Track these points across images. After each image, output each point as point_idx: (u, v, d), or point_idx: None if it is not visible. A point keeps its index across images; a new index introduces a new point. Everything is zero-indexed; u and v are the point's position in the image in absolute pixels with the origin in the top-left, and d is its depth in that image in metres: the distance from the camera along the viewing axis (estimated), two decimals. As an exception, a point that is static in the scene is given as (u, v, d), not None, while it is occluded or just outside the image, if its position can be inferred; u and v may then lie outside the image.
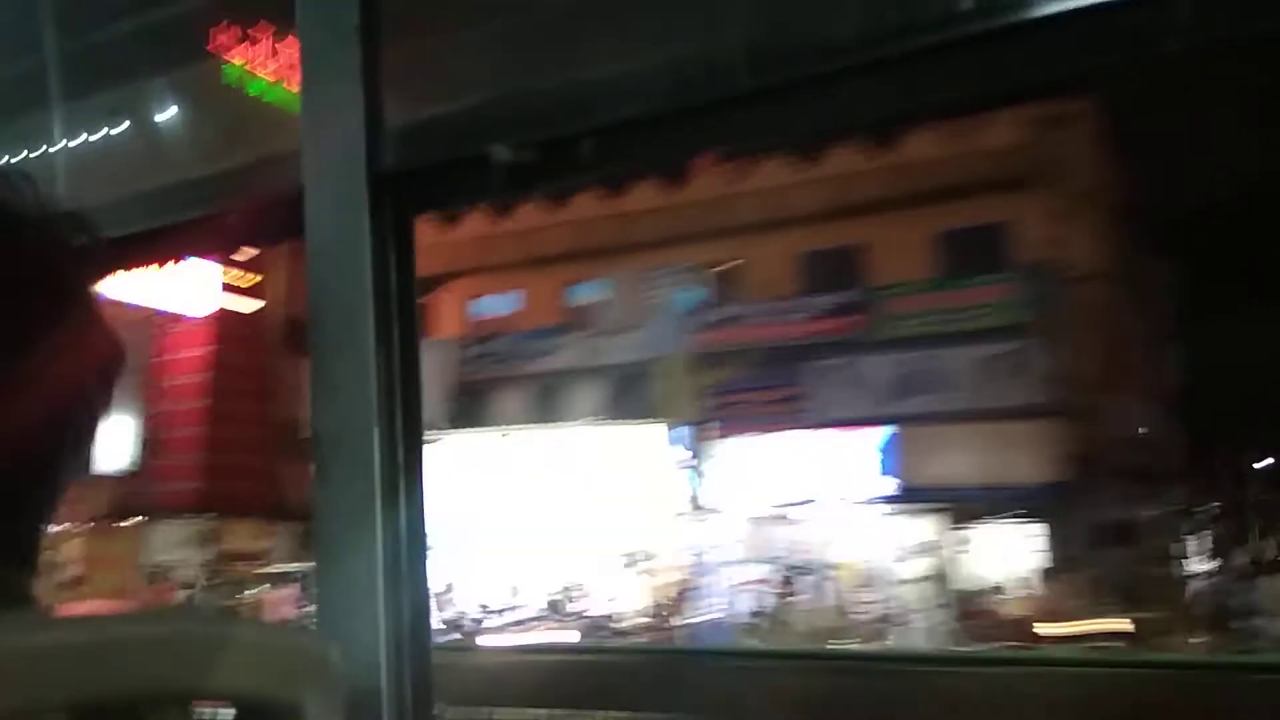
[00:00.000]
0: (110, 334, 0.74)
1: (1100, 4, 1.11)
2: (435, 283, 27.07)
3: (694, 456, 23.73)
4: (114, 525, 26.59)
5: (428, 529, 1.58)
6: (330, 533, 1.54)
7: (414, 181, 1.57)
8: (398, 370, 1.54)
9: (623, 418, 24.57)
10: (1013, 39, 1.15)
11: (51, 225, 0.70)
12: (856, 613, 21.04)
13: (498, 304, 29.09)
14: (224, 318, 27.41)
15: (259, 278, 27.20)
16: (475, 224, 24.82)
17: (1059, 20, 1.13)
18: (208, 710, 0.70)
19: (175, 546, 27.30)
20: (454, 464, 23.23)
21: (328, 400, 1.55)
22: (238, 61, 2.10)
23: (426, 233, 1.47)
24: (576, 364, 26.18)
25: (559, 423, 25.28)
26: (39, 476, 0.69)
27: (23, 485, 0.68)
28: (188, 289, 25.35)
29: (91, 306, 0.72)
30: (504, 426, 25.50)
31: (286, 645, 0.72)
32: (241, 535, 27.89)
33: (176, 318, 26.71)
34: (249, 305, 27.61)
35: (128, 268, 1.85)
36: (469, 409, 26.25)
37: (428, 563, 1.55)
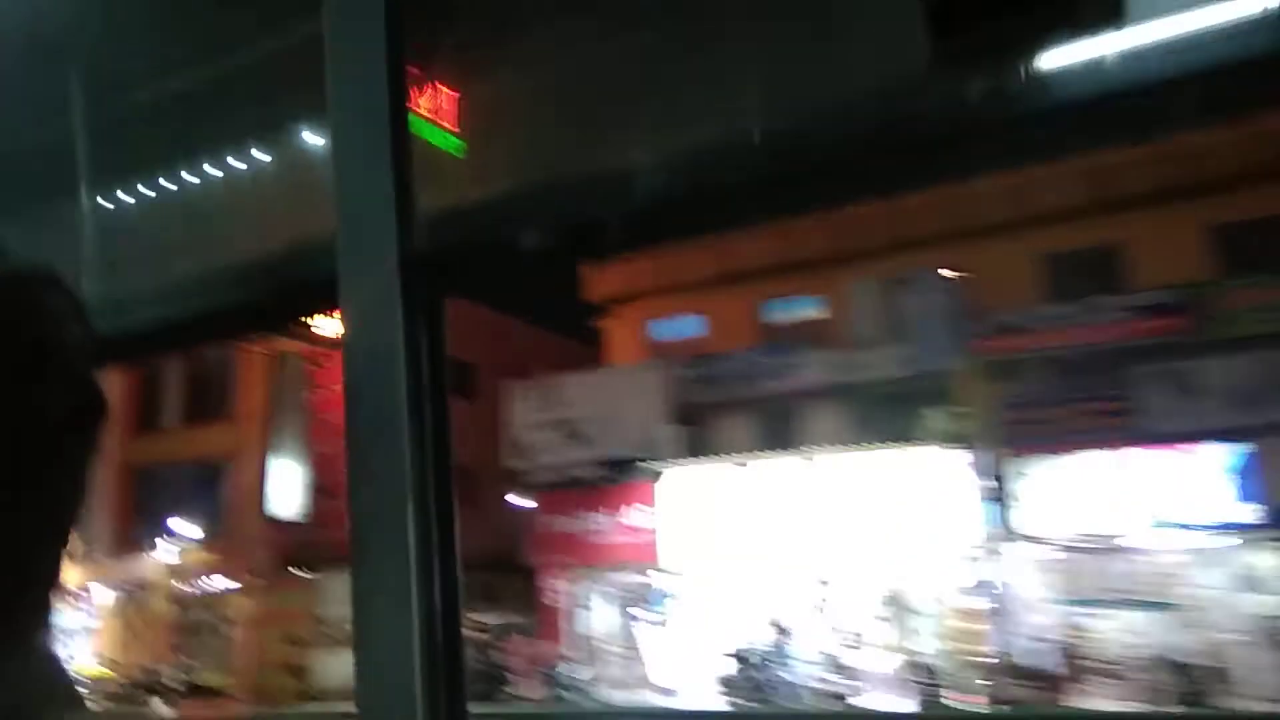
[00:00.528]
0: (90, 383, 0.75)
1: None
2: (608, 306, 25.77)
3: (988, 480, 19.89)
4: (287, 578, 25.38)
5: (460, 600, 1.60)
6: (369, 610, 1.56)
7: (444, 265, 1.61)
8: (430, 451, 1.57)
9: (879, 440, 20.93)
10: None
11: (26, 282, 0.73)
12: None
13: (681, 326, 25.97)
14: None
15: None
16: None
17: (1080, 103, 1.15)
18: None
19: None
20: (685, 498, 21.47)
21: (364, 480, 1.58)
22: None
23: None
24: (818, 383, 22.77)
25: (802, 448, 21.79)
26: (19, 531, 0.70)
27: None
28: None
29: (67, 357, 0.73)
30: (737, 454, 22.28)
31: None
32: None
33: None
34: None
35: (171, 352, 1.90)
36: (695, 436, 23.35)
37: (463, 639, 1.56)
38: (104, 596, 28.22)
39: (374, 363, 1.59)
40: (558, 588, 22.86)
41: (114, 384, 24.41)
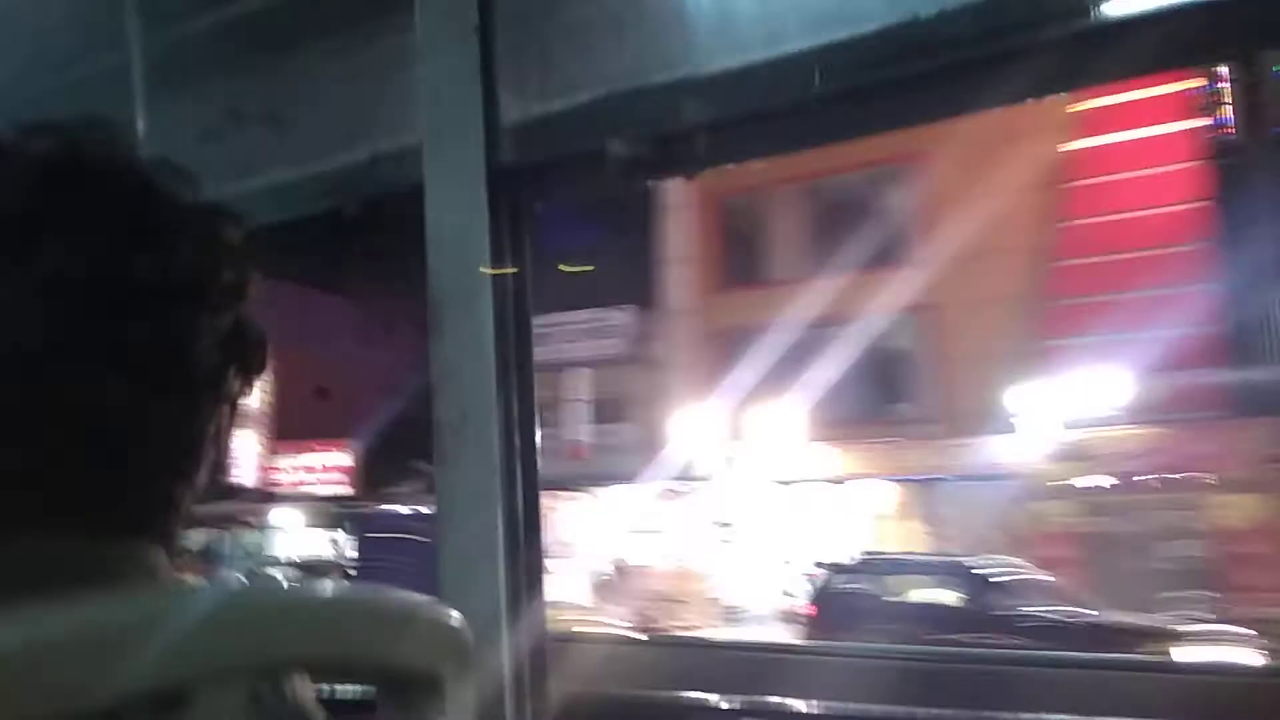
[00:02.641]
0: (258, 328, 0.78)
1: None
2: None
3: None
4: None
5: (539, 504, 1.63)
6: (452, 513, 1.61)
7: (530, 176, 1.63)
8: (513, 359, 1.60)
9: None
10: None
11: (211, 218, 0.74)
12: None
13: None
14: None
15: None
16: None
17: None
18: (325, 686, 0.73)
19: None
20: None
21: (449, 387, 1.62)
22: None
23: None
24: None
25: None
26: (177, 454, 0.73)
27: (159, 458, 0.71)
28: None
29: (244, 299, 0.76)
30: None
31: (428, 618, 0.74)
32: None
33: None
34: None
35: (261, 262, 1.93)
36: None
37: (543, 543, 1.61)
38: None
39: (459, 273, 1.62)
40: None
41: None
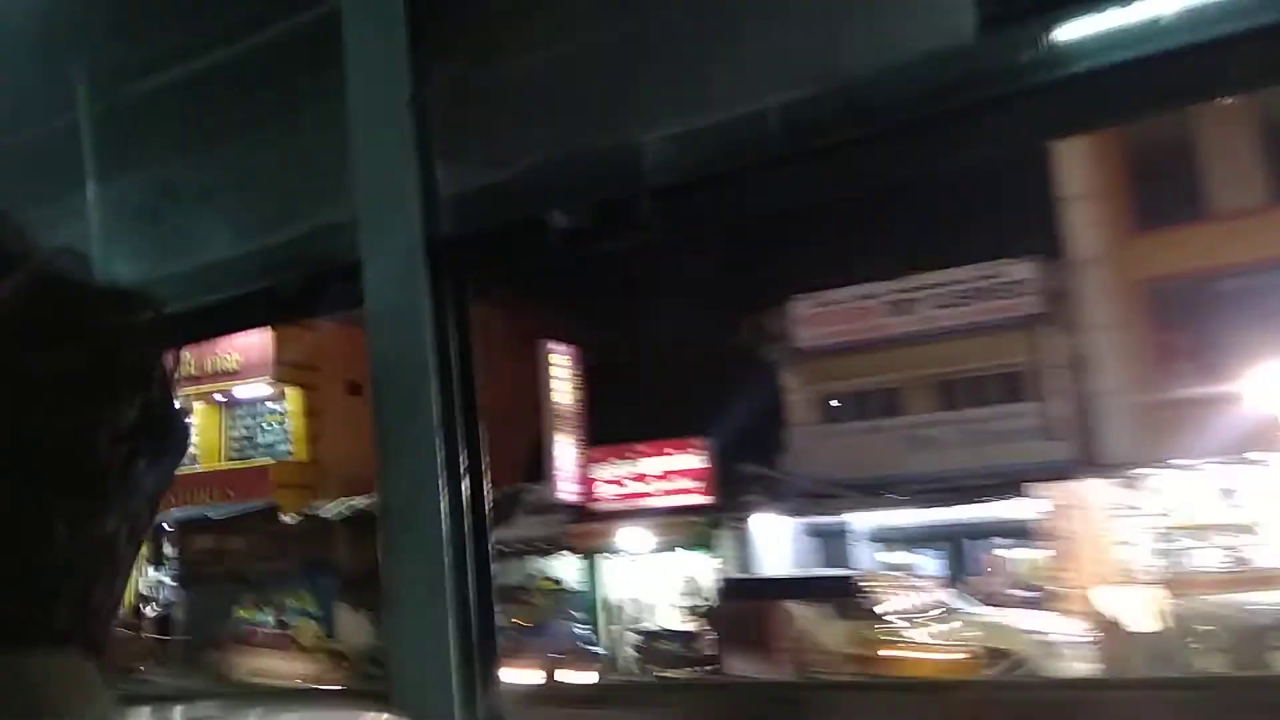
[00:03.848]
0: (172, 412, 0.73)
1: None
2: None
3: None
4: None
5: (493, 587, 1.57)
6: (400, 604, 1.53)
7: (471, 248, 1.58)
8: (461, 439, 1.54)
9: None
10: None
11: (116, 300, 0.70)
12: None
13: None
14: None
15: None
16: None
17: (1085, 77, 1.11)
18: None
19: None
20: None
21: (393, 472, 1.55)
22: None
23: None
24: None
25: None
26: (87, 555, 0.67)
27: (68, 561, 0.67)
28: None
29: (151, 384, 0.71)
30: None
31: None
32: None
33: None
34: None
35: (187, 343, 1.87)
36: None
37: (498, 634, 1.54)
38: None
39: (400, 352, 1.56)
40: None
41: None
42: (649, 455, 21.54)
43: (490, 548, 1.55)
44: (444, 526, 1.49)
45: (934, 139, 1.20)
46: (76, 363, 0.66)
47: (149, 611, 24.78)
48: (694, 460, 20.99)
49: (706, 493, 20.62)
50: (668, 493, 21.19)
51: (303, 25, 1.96)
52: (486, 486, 1.57)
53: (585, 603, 21.21)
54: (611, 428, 21.43)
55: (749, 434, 20.27)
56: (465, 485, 1.53)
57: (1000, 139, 1.17)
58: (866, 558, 19.95)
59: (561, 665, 17.69)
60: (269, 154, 2.19)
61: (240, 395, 25.69)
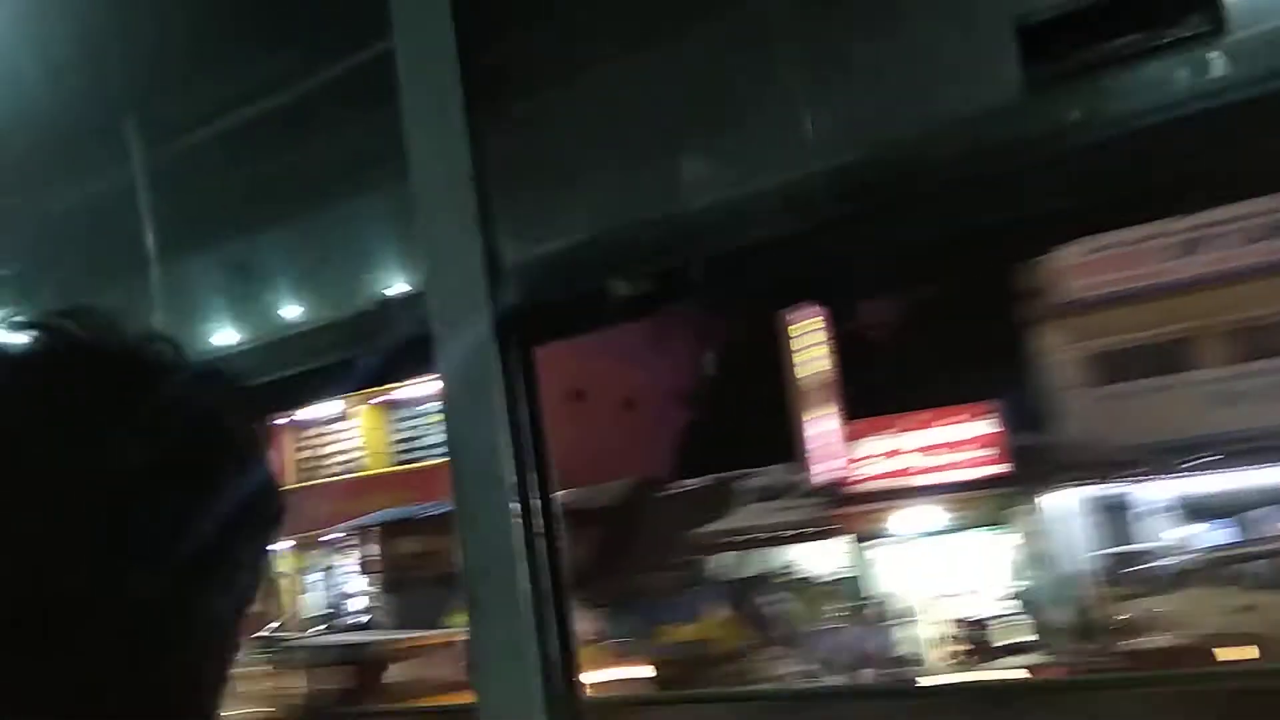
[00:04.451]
0: (266, 485, 0.76)
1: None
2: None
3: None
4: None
5: (575, 646, 1.61)
6: (487, 663, 1.58)
7: (536, 317, 1.63)
8: (537, 503, 1.58)
9: None
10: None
11: (195, 378, 0.73)
12: None
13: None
14: None
15: None
16: None
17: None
18: None
19: None
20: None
21: (472, 535, 1.60)
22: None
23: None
24: None
25: None
26: (202, 634, 0.71)
27: (185, 641, 0.69)
28: None
29: (245, 453, 0.75)
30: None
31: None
32: None
33: None
34: None
35: (268, 414, 1.94)
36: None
37: (580, 683, 1.58)
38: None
39: (474, 421, 1.61)
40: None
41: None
42: (920, 427, 18.55)
43: (570, 605, 1.59)
44: (524, 589, 1.54)
45: (981, 198, 1.23)
46: (174, 450, 0.68)
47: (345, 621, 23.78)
48: (980, 428, 18.05)
49: (999, 462, 17.72)
50: (950, 466, 18.14)
51: (356, 69, 1.98)
52: (561, 548, 1.61)
53: (854, 594, 18.29)
54: (865, 399, 18.72)
55: (1023, 399, 17.90)
56: (544, 548, 1.58)
57: (1047, 198, 1.19)
58: (1159, 532, 17.10)
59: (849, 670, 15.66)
60: (332, 222, 2.25)
61: (400, 397, 24.31)
